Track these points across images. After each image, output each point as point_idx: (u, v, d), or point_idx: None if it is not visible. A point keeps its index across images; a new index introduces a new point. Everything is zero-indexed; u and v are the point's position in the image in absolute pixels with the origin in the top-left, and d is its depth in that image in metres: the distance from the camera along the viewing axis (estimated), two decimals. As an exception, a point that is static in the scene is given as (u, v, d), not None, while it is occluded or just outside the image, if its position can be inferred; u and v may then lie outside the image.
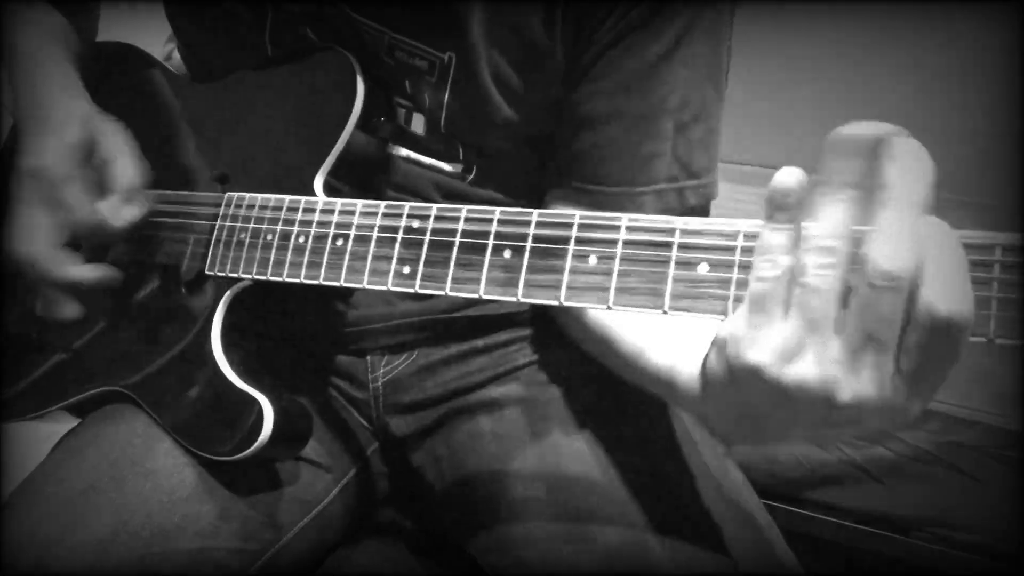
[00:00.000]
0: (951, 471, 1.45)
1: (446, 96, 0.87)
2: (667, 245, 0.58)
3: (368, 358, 0.98)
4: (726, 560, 0.78)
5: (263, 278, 0.79)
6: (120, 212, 0.82)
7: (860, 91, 1.73)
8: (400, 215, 0.71)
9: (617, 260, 0.60)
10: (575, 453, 0.85)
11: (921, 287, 0.47)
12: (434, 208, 0.69)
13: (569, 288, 0.62)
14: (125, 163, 0.84)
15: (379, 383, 0.98)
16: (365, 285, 0.72)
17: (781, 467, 1.46)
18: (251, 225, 0.81)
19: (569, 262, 0.62)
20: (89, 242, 0.86)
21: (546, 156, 0.92)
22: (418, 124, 0.90)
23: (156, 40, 1.06)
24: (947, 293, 0.47)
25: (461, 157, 0.91)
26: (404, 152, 0.91)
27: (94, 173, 0.84)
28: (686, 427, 0.90)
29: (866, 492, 1.45)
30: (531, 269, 0.63)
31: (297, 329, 0.97)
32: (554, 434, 0.88)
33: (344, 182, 0.84)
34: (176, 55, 1.06)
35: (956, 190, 1.60)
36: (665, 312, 0.57)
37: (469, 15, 0.83)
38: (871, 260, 0.48)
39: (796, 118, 1.71)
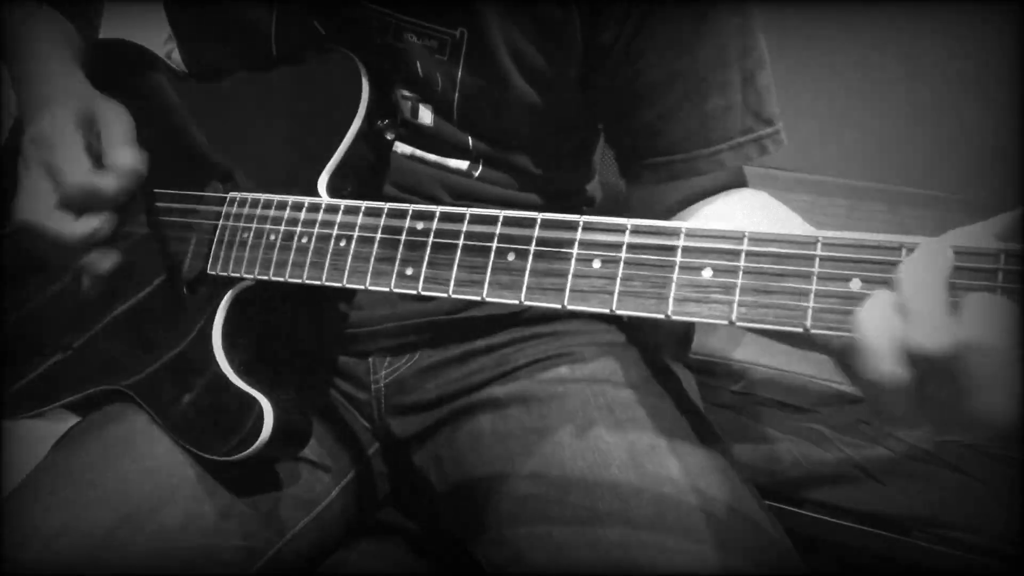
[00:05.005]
0: (951, 471, 1.45)
1: (459, 73, 0.86)
2: (671, 249, 0.58)
3: (370, 359, 0.98)
4: (730, 559, 0.77)
5: (265, 278, 0.79)
6: (112, 176, 0.83)
7: (861, 92, 1.73)
8: (404, 217, 0.71)
9: (621, 264, 0.60)
10: (577, 451, 0.85)
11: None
12: (438, 210, 0.69)
13: (572, 291, 0.62)
14: (120, 131, 0.85)
15: (381, 384, 0.98)
16: (367, 286, 0.72)
17: (781, 467, 1.46)
18: (254, 225, 0.81)
19: (573, 265, 0.62)
20: (82, 208, 0.85)
21: (563, 153, 0.92)
22: (425, 115, 0.90)
23: (156, 40, 1.06)
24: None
25: (470, 148, 0.91)
26: (409, 150, 0.91)
27: (93, 143, 0.85)
28: (695, 424, 0.90)
29: (866, 492, 1.45)
30: (535, 272, 0.63)
31: (299, 330, 0.97)
32: (556, 433, 0.87)
33: (348, 182, 0.84)
34: (176, 54, 1.06)
35: (956, 190, 1.60)
36: (668, 317, 0.57)
37: None
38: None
39: (796, 118, 1.71)
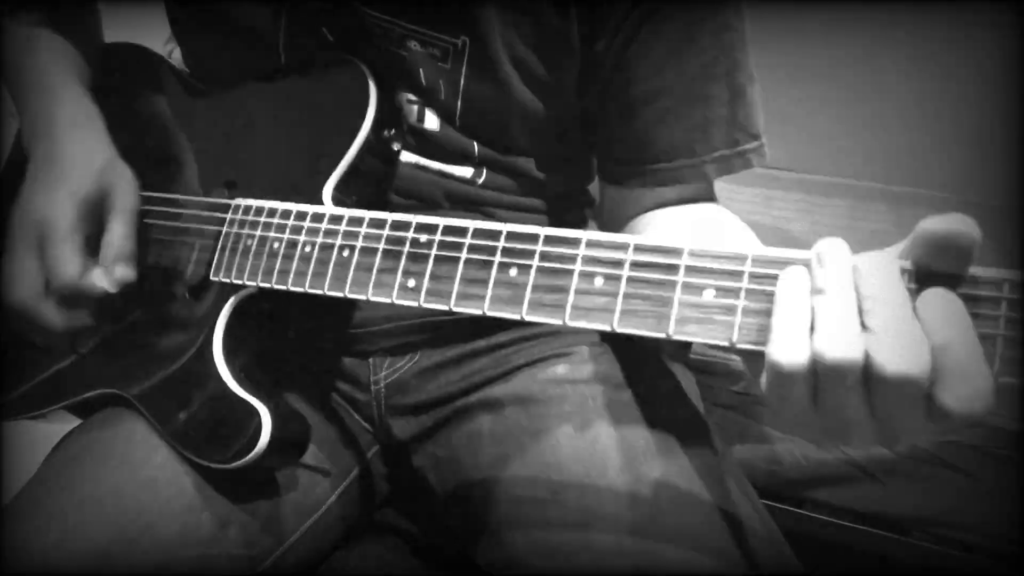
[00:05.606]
0: (951, 471, 1.44)
1: (462, 81, 0.87)
2: (674, 268, 0.58)
3: (370, 360, 0.98)
4: (725, 564, 0.77)
5: (268, 286, 0.79)
6: (101, 281, 0.84)
7: (861, 92, 1.73)
8: (407, 229, 0.71)
9: (623, 282, 0.60)
10: (575, 453, 0.85)
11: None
12: (441, 223, 0.69)
13: (574, 308, 0.62)
14: (122, 228, 0.86)
15: (381, 385, 0.98)
16: (369, 297, 0.72)
17: (781, 467, 1.46)
18: (258, 232, 0.81)
19: (575, 282, 0.62)
20: (67, 300, 0.87)
21: (566, 156, 0.92)
22: (431, 121, 0.90)
23: (156, 40, 1.06)
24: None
25: (475, 153, 0.91)
26: (413, 158, 0.91)
27: (95, 227, 0.86)
28: (694, 426, 0.90)
29: (866, 492, 1.45)
30: (536, 288, 0.63)
31: (300, 331, 0.97)
32: (553, 434, 0.87)
33: (352, 192, 0.84)
34: (176, 54, 1.06)
35: (956, 190, 1.60)
36: (669, 337, 0.57)
37: (480, 1, 0.83)
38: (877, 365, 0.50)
39: (796, 119, 1.71)
